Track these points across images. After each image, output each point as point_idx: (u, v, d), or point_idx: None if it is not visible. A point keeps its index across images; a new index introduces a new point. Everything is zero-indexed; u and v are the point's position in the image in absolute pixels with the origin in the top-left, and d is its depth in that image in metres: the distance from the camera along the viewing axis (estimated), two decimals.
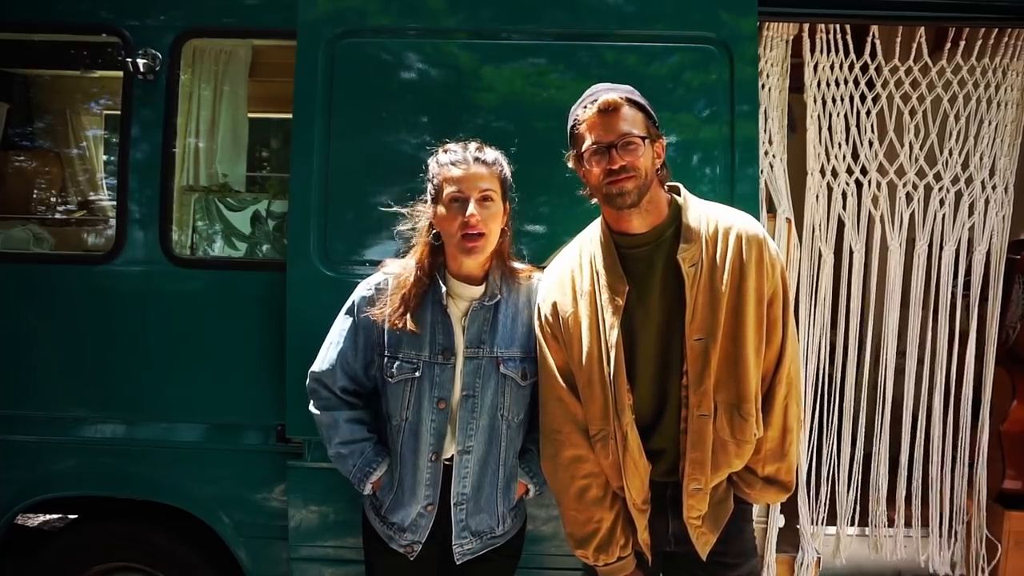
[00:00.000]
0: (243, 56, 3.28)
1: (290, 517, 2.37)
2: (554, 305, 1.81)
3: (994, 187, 2.58)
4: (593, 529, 1.82)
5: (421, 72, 2.33)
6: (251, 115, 3.60)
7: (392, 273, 1.91)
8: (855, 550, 2.73)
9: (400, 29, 2.32)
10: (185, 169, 3.13)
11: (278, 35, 2.45)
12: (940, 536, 2.71)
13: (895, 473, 2.71)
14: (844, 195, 2.58)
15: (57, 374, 2.43)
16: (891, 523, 2.72)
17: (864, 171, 2.57)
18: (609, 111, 1.68)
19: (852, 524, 2.70)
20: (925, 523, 2.73)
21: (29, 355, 2.44)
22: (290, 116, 2.32)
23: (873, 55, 2.52)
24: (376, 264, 2.02)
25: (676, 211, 1.78)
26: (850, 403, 2.68)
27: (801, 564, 2.61)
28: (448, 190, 1.79)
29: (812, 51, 2.50)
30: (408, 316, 1.83)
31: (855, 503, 2.70)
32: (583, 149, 1.72)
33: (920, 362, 2.67)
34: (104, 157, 4.64)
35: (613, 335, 1.71)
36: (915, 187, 2.59)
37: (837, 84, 2.52)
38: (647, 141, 1.70)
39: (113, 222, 2.51)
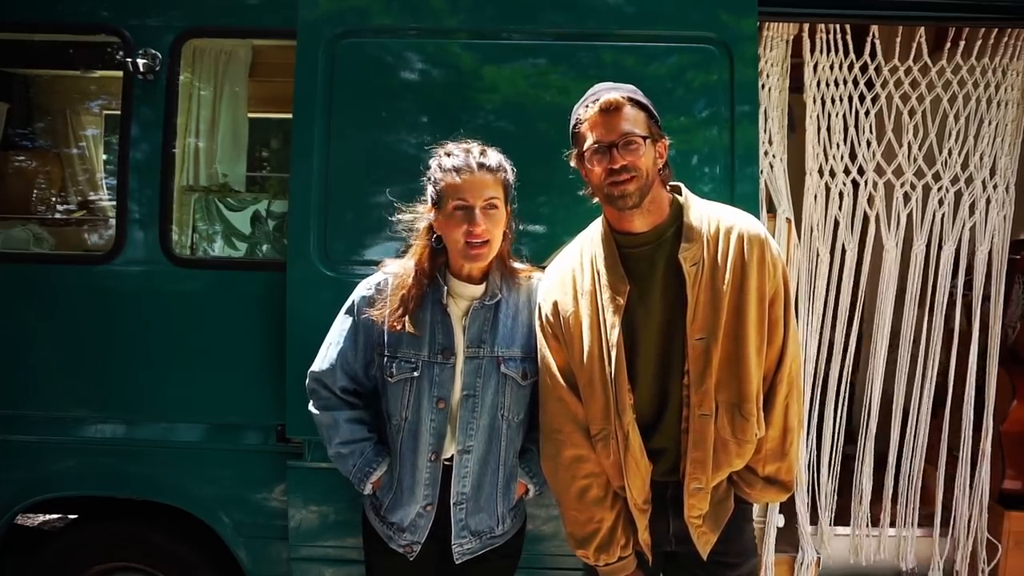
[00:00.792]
0: (243, 56, 3.29)
1: (290, 517, 2.37)
2: (555, 304, 1.81)
3: (995, 187, 2.58)
4: (594, 529, 1.82)
5: (421, 72, 2.33)
6: (251, 115, 3.62)
7: (392, 273, 1.90)
8: (851, 550, 2.74)
9: (400, 29, 2.32)
10: (185, 169, 3.14)
11: (278, 35, 2.45)
12: (940, 536, 2.71)
13: (883, 472, 2.69)
14: (841, 195, 2.58)
15: (57, 374, 2.43)
16: (876, 523, 2.71)
17: (861, 171, 2.57)
18: (611, 110, 1.67)
19: (840, 524, 2.70)
20: (924, 523, 2.73)
21: (29, 355, 2.43)
22: (290, 116, 2.32)
23: (873, 55, 2.52)
24: (376, 264, 2.01)
25: (677, 210, 1.78)
26: (846, 402, 2.68)
27: (801, 564, 2.61)
28: (452, 198, 1.77)
29: (812, 51, 2.49)
30: (407, 316, 1.83)
31: (861, 504, 2.69)
32: (584, 148, 1.71)
33: (914, 360, 2.66)
34: (104, 157, 4.65)
35: (614, 334, 1.71)
36: (913, 187, 2.59)
37: (837, 84, 2.52)
38: (649, 141, 1.69)
39: (113, 222, 2.51)
